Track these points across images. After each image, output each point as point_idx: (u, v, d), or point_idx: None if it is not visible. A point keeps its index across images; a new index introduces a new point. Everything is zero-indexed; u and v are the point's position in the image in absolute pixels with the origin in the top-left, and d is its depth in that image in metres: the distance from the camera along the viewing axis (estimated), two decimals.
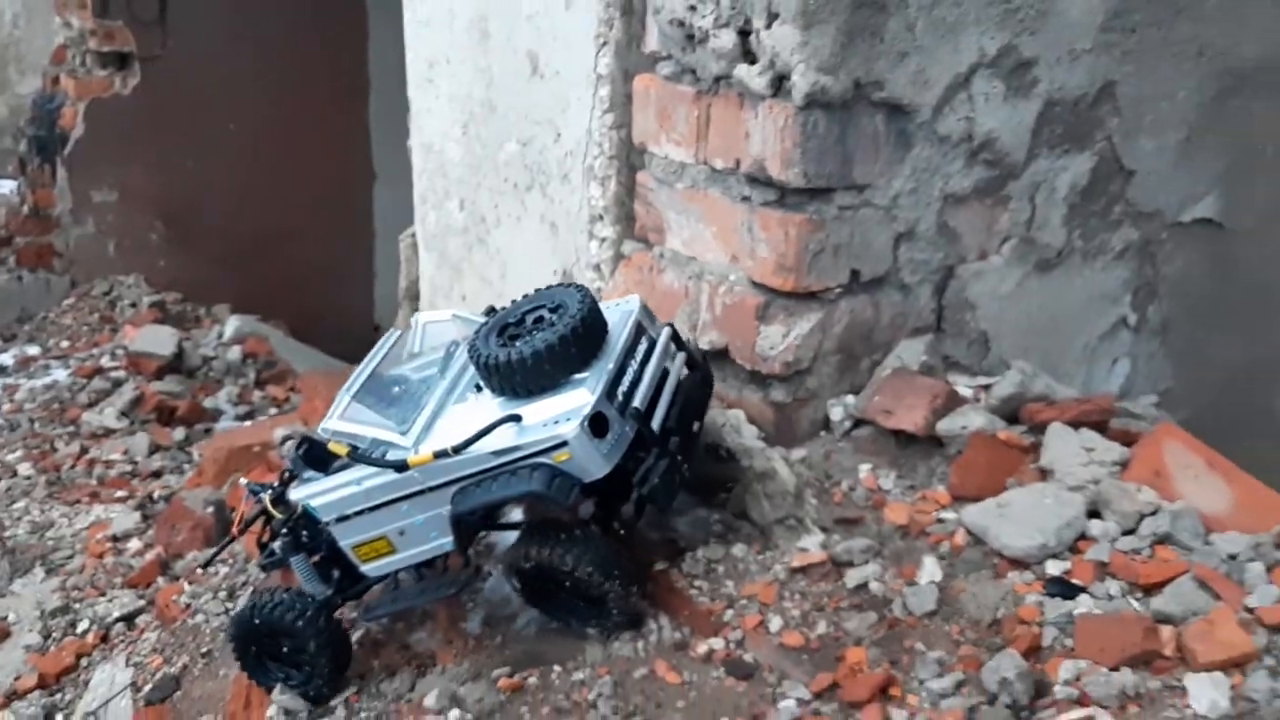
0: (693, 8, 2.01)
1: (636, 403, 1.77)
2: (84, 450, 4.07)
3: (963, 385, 2.06)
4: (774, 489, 1.93)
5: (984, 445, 1.91)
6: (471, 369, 1.86)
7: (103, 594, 2.94)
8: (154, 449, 4.14)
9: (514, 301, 1.90)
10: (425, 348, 2.06)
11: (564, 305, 1.83)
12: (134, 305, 5.69)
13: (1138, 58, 2.24)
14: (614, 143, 2.29)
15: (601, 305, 1.86)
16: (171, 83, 5.37)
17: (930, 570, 1.78)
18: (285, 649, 2.03)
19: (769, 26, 1.89)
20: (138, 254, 5.70)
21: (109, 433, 4.26)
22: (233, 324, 5.22)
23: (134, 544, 3.19)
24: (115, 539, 3.23)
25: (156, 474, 3.97)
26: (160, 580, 2.91)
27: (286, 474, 2.01)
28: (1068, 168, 2.23)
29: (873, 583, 1.79)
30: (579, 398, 1.73)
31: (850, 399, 2.08)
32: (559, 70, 2.39)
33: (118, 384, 4.58)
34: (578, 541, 1.78)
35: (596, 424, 1.72)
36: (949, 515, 1.86)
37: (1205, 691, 1.42)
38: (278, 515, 1.97)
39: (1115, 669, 1.49)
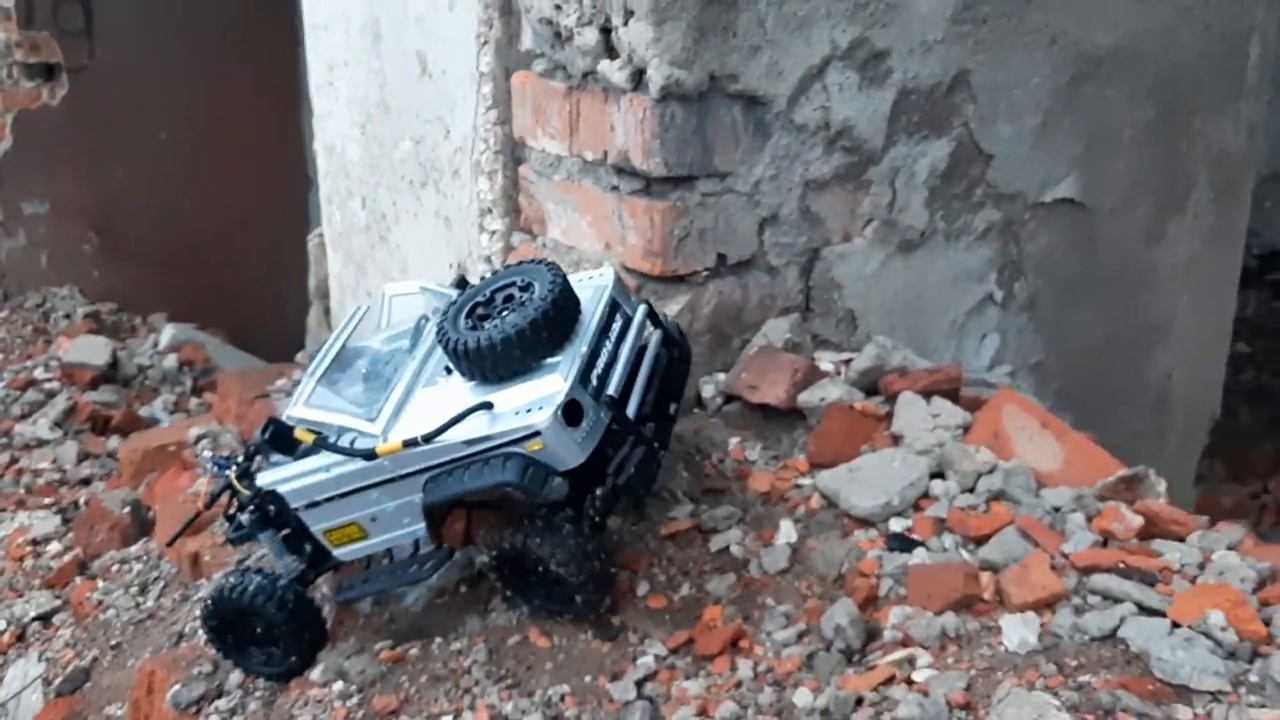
0: (558, 7, 2.10)
1: (611, 389, 1.72)
2: (14, 460, 4.10)
3: (826, 360, 2.17)
4: None
5: (841, 415, 2.02)
6: (439, 351, 1.81)
7: (20, 595, 2.99)
8: (83, 457, 4.17)
9: (483, 278, 1.87)
10: (393, 321, 2.01)
11: (533, 284, 1.77)
12: (68, 316, 5.71)
13: (990, 47, 2.36)
14: (498, 138, 2.38)
15: (573, 280, 1.81)
16: (100, 93, 5.38)
17: (786, 532, 1.88)
18: (259, 630, 1.98)
19: (626, 24, 1.99)
20: (71, 265, 5.71)
21: (41, 443, 4.29)
22: (169, 332, 5.24)
23: (54, 547, 3.24)
24: (35, 543, 3.28)
25: (85, 481, 4.00)
26: (78, 579, 2.97)
27: (252, 448, 1.95)
28: (926, 153, 2.35)
29: (734, 546, 1.89)
30: (551, 384, 1.68)
31: (721, 376, 2.18)
32: (445, 70, 2.48)
33: (51, 395, 4.59)
34: (555, 533, 1.73)
35: (570, 412, 1.66)
36: (806, 481, 1.97)
37: (1016, 630, 1.53)
38: (244, 491, 1.92)
39: (939, 613, 1.60)
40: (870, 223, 2.32)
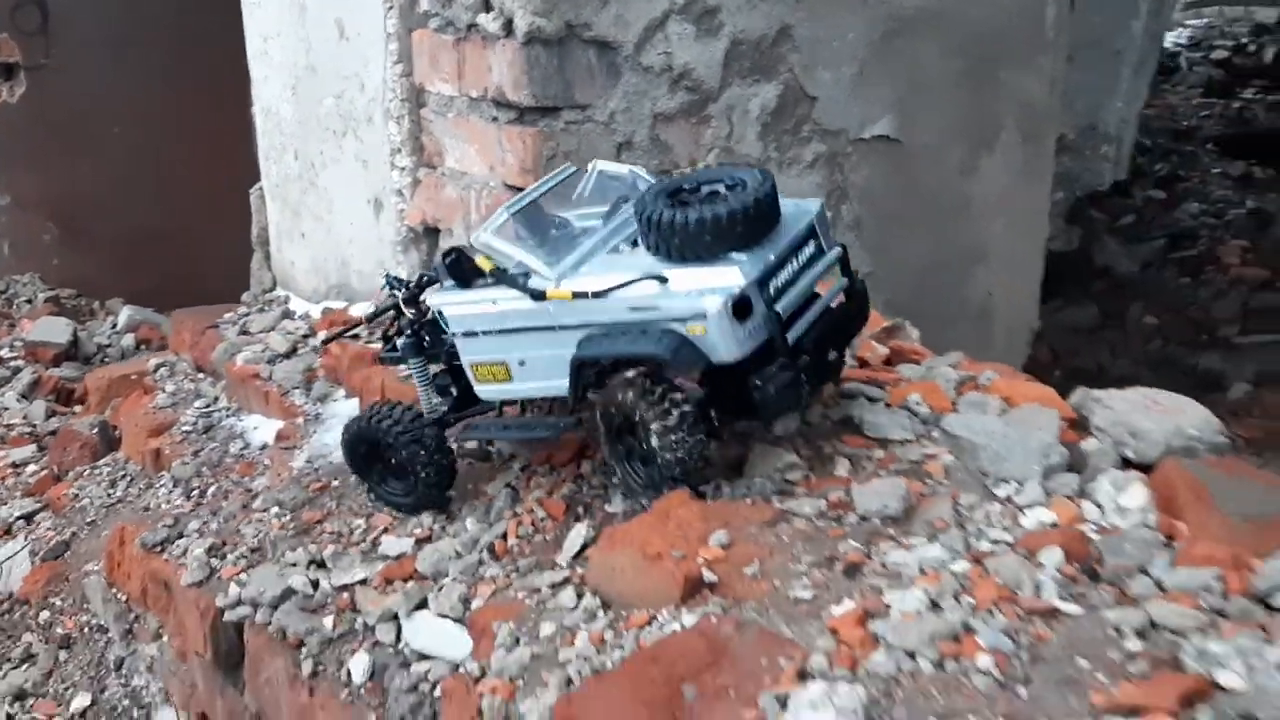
0: None
1: (781, 306, 1.73)
2: None
3: None
4: None
5: None
6: (633, 225, 1.81)
7: (4, 504, 3.44)
8: (51, 414, 4.59)
9: (694, 169, 1.96)
10: (593, 195, 2.03)
11: (742, 183, 1.78)
12: (29, 301, 6.12)
13: (809, 5, 2.88)
14: (403, 87, 2.87)
15: (783, 199, 1.82)
16: (57, 90, 5.78)
17: None
18: (394, 461, 2.11)
19: None
20: (32, 254, 6.10)
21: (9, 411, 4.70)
22: (125, 313, 5.64)
23: (31, 468, 3.68)
24: (15, 465, 3.72)
25: (54, 432, 4.44)
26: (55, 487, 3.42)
27: (425, 277, 2.04)
28: (758, 94, 2.87)
29: None
30: (731, 276, 1.69)
31: None
32: (360, 33, 2.97)
33: (16, 371, 5.00)
34: (670, 410, 1.74)
35: (740, 307, 1.68)
36: None
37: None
38: (407, 314, 2.05)
39: None
40: (712, 150, 2.83)
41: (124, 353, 5.39)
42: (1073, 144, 3.76)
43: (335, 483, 2.41)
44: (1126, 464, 1.76)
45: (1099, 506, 1.63)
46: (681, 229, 1.71)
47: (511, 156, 2.60)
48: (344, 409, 2.79)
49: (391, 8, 2.83)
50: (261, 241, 3.65)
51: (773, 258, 1.73)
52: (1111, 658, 1.27)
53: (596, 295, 1.73)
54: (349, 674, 1.86)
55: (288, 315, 3.35)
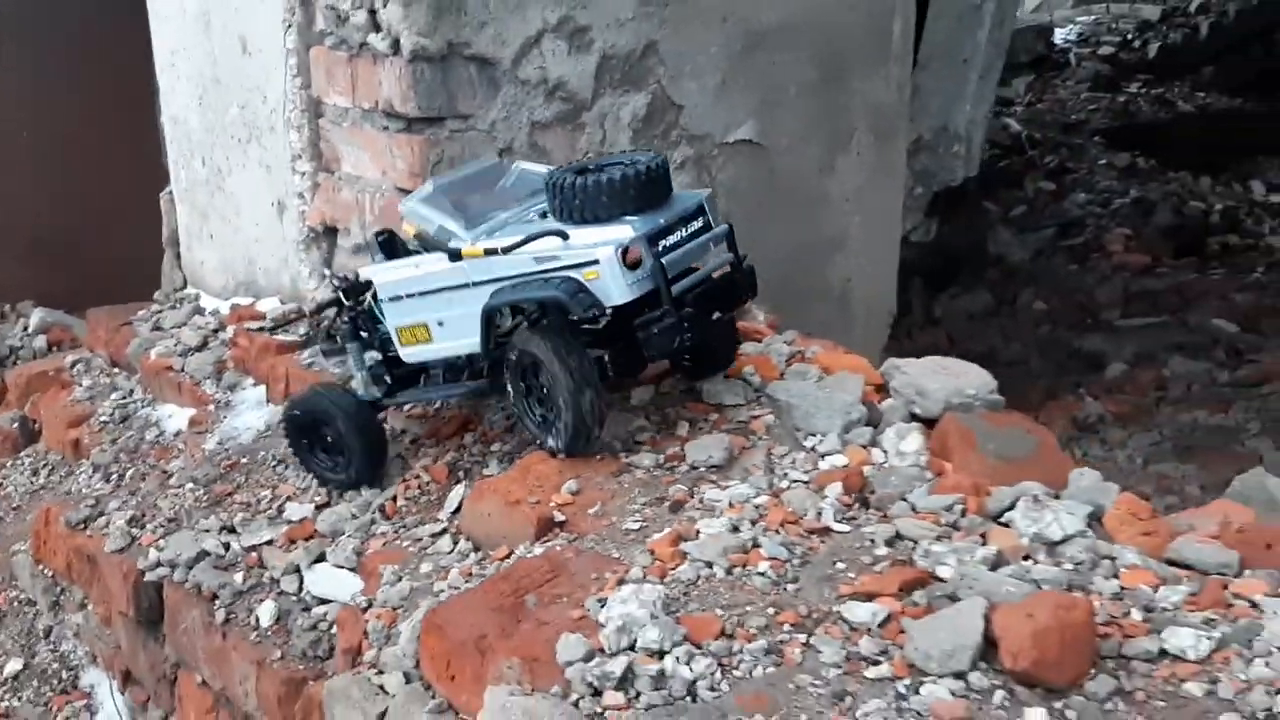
0: None
1: (667, 260, 1.99)
2: None
3: None
4: None
5: None
6: (544, 203, 2.08)
7: None
8: None
9: (601, 155, 2.26)
10: (514, 188, 2.26)
11: (638, 160, 2.06)
12: None
13: (673, 24, 3.21)
14: (303, 99, 3.14)
15: (677, 183, 2.15)
16: None
17: None
18: (330, 439, 2.34)
19: (385, 6, 2.79)
20: None
21: None
22: (37, 315, 5.76)
23: None
24: None
25: None
26: None
27: (356, 274, 2.31)
28: (628, 103, 3.19)
29: None
30: (622, 231, 1.97)
31: None
32: (261, 48, 3.23)
33: None
34: (561, 345, 1.97)
35: (629, 256, 1.94)
36: None
37: None
38: (347, 305, 2.30)
39: None
40: (587, 154, 3.15)
41: (36, 354, 5.50)
42: (929, 144, 4.14)
43: (244, 460, 2.69)
44: (914, 418, 2.12)
45: (884, 451, 1.99)
46: (581, 191, 1.99)
47: (401, 162, 2.90)
48: (252, 396, 3.06)
49: (290, 26, 3.10)
50: (172, 242, 3.89)
51: (663, 221, 2.02)
52: (863, 560, 1.62)
53: (506, 250, 1.99)
54: (257, 619, 2.15)
55: (198, 311, 3.60)
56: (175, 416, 3.21)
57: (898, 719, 1.29)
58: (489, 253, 2.01)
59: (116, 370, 3.64)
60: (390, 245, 2.23)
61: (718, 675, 1.40)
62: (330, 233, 3.19)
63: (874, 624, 1.46)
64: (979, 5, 4.05)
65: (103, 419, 3.33)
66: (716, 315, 2.13)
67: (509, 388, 2.09)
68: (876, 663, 1.39)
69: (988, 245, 10.04)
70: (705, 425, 2.16)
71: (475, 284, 2.06)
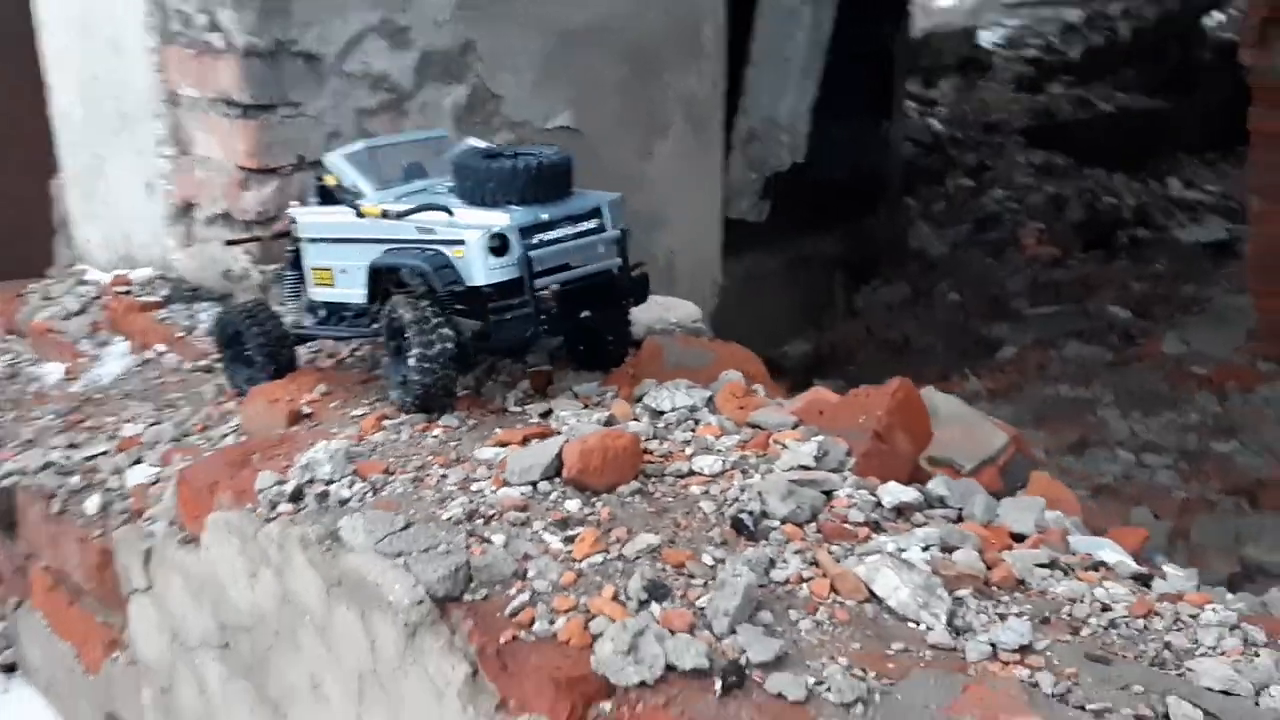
0: (185, 2, 3.45)
1: (536, 255, 2.12)
2: None
3: None
4: (244, 289, 3.37)
5: None
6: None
7: None
8: None
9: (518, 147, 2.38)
10: (448, 160, 2.39)
11: (539, 154, 2.22)
12: None
13: (489, 25, 3.78)
14: (163, 91, 3.70)
15: (582, 183, 2.30)
16: None
17: None
18: (247, 350, 2.57)
19: (221, 9, 3.35)
20: None
21: None
22: None
23: None
24: None
25: None
26: None
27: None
28: (450, 94, 3.76)
29: None
30: (498, 218, 2.12)
31: None
32: (130, 48, 3.78)
33: None
34: (424, 317, 2.12)
35: (496, 242, 2.09)
36: None
37: None
38: (294, 236, 2.53)
39: None
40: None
41: None
42: (759, 134, 4.70)
43: (98, 397, 3.23)
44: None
45: None
46: (474, 174, 2.17)
47: (240, 144, 3.45)
48: (118, 349, 3.60)
49: (151, 29, 3.65)
50: (62, 224, 4.43)
51: (545, 216, 2.16)
52: (517, 426, 2.17)
53: (398, 215, 2.20)
54: (85, 510, 2.69)
55: (83, 283, 4.14)
56: (55, 372, 3.74)
57: (477, 507, 1.84)
58: (385, 215, 2.22)
59: (10, 337, 4.17)
60: (326, 190, 2.44)
61: (370, 495, 1.94)
62: (189, 208, 3.74)
63: (493, 460, 2.01)
64: (796, 9, 4.63)
65: None
66: (584, 314, 2.28)
67: (385, 345, 2.27)
68: (482, 480, 1.94)
69: (908, 240, 10.68)
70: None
71: (370, 240, 2.27)
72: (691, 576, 1.68)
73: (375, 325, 2.30)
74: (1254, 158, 7.52)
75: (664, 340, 2.61)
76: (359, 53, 3.55)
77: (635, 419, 2.16)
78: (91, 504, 2.69)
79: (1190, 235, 10.75)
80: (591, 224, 2.25)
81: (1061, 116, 12.78)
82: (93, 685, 2.61)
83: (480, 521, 1.81)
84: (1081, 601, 1.64)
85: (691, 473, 1.96)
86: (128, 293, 3.72)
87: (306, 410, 2.42)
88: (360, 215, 2.27)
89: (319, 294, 2.47)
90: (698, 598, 1.63)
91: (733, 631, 1.54)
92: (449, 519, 1.82)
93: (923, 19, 13.99)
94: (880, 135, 10.45)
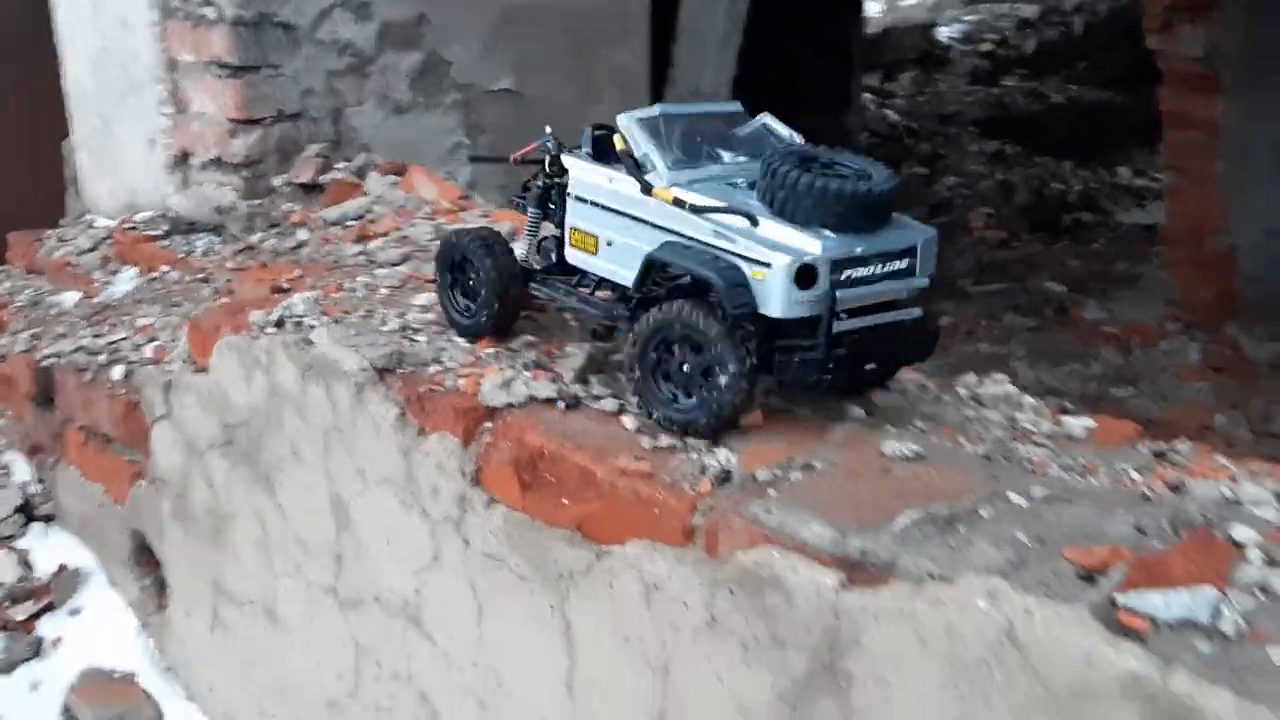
0: None
1: (842, 294, 1.88)
2: None
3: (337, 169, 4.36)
4: (233, 219, 4.19)
5: (338, 187, 4.20)
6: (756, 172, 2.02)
7: None
8: None
9: (827, 147, 2.09)
10: (748, 141, 2.20)
11: (867, 175, 1.95)
12: None
13: (440, 1, 4.60)
14: (166, 59, 4.51)
15: (908, 220, 2.02)
16: None
17: None
18: (471, 281, 2.42)
19: None
20: None
21: None
22: None
23: None
24: None
25: None
26: None
27: (574, 148, 2.31)
28: (406, 59, 4.57)
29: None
30: (811, 245, 1.88)
31: (286, 175, 4.35)
32: (137, 23, 4.60)
33: None
34: (726, 330, 1.91)
35: (804, 273, 1.86)
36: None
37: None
38: (548, 171, 2.34)
39: None
40: (374, 96, 4.52)
41: None
42: (688, 102, 5.55)
43: (115, 304, 4.03)
44: None
45: None
46: (790, 187, 1.92)
47: (230, 100, 4.27)
48: (127, 275, 4.40)
49: (154, 6, 4.47)
50: (73, 180, 5.24)
51: (859, 251, 1.91)
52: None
53: (694, 209, 1.97)
54: (111, 377, 3.49)
55: (93, 227, 4.95)
56: (72, 298, 4.54)
57: (409, 324, 2.65)
58: (677, 203, 2.00)
59: (32, 275, 4.97)
60: (600, 144, 2.24)
61: (328, 320, 2.75)
62: (186, 157, 4.55)
63: (427, 304, 2.81)
64: None
65: (19, 304, 4.66)
66: (869, 367, 2.05)
67: (635, 350, 2.07)
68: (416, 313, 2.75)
69: None
70: None
71: (653, 225, 2.06)
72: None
73: (626, 314, 2.16)
74: (1166, 138, 8.38)
75: None
76: (329, 23, 4.37)
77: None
78: (117, 372, 3.49)
79: (1131, 218, 11.61)
80: (902, 264, 2.00)
81: (1015, 108, 13.65)
82: (120, 513, 3.40)
83: (411, 331, 2.62)
84: None
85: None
86: (134, 229, 4.53)
87: (286, 285, 3.21)
88: (648, 193, 2.05)
89: (575, 258, 2.27)
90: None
91: (581, 382, 2.34)
92: (388, 329, 2.63)
93: (886, 15, 14.91)
94: (838, 126, 11.34)
